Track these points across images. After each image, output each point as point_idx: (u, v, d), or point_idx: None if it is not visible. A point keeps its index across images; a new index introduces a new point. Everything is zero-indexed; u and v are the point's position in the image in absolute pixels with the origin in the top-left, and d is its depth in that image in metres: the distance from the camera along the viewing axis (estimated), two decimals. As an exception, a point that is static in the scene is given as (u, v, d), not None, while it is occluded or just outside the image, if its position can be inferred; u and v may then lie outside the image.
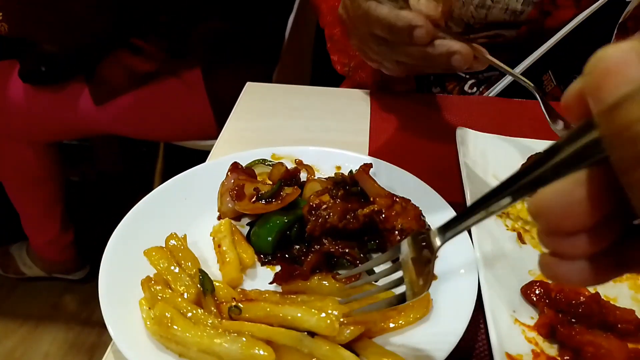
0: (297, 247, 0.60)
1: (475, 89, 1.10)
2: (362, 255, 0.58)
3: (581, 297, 0.53)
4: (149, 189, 0.67)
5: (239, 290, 0.55)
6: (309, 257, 0.57)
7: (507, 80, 1.04)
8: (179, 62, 1.51)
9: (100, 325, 1.88)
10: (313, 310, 0.46)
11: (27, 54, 1.54)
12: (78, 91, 1.53)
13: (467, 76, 1.10)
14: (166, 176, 1.90)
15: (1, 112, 1.58)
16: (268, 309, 0.47)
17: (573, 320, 0.52)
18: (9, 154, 1.67)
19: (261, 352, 0.45)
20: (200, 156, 1.64)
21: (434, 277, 0.57)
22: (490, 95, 1.05)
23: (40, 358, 1.77)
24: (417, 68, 0.65)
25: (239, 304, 0.48)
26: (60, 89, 1.54)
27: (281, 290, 0.55)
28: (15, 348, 1.79)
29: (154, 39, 1.52)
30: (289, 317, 0.47)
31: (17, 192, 1.76)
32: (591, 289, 0.57)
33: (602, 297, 0.54)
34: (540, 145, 0.76)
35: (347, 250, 0.57)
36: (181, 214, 0.64)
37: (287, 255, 0.60)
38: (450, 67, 0.58)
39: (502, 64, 0.63)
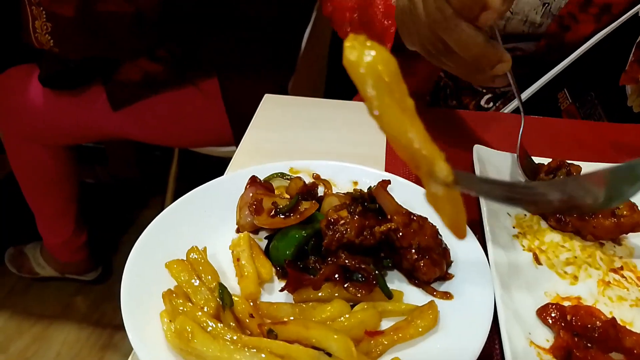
0: (313, 258, 0.61)
1: (491, 104, 1.10)
2: (377, 272, 0.59)
3: (597, 322, 0.53)
4: (163, 193, 0.68)
5: (251, 304, 0.56)
6: (323, 269, 0.58)
7: (523, 96, 1.04)
8: (196, 70, 1.53)
9: (111, 327, 1.91)
10: (335, 336, 0.47)
11: (47, 58, 1.56)
12: (96, 96, 1.56)
13: (484, 90, 1.11)
14: (180, 181, 1.92)
15: (20, 115, 1.61)
16: (300, 333, 0.49)
17: (589, 344, 0.52)
18: (27, 155, 1.70)
19: (280, 368, 0.46)
20: (214, 162, 1.66)
21: (451, 296, 0.58)
22: (506, 111, 1.05)
23: (51, 358, 1.79)
24: (461, 69, 0.68)
25: (273, 329, 0.49)
26: (78, 94, 1.56)
27: (293, 300, 0.57)
28: (27, 347, 1.82)
29: (170, 47, 1.54)
30: (313, 340, 0.48)
31: (33, 193, 1.79)
32: (607, 313, 0.57)
33: (619, 321, 0.54)
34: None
35: (362, 266, 0.58)
36: (201, 227, 0.65)
37: (301, 266, 0.60)
38: (490, 74, 0.62)
39: (514, 85, 0.67)
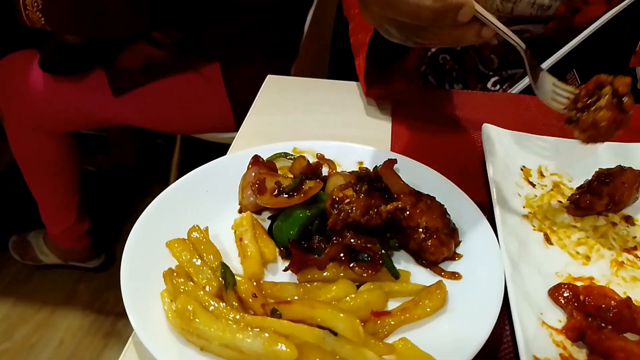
0: (318, 238, 0.59)
1: (498, 86, 1.08)
2: (383, 251, 0.57)
3: (611, 302, 0.52)
4: (165, 180, 0.66)
5: (254, 283, 0.54)
6: (328, 248, 0.56)
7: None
8: (198, 55, 1.51)
9: (114, 314, 1.91)
10: (342, 314, 0.45)
11: (47, 43, 1.55)
12: (97, 82, 1.54)
13: (491, 73, 1.09)
14: (182, 168, 1.92)
15: (22, 101, 1.60)
16: (305, 312, 0.47)
17: (602, 325, 0.51)
18: (28, 143, 1.68)
19: (283, 348, 0.45)
20: (217, 149, 1.64)
21: (459, 276, 0.56)
22: (514, 92, 1.03)
23: (55, 345, 1.79)
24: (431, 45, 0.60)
25: (277, 308, 0.48)
26: (79, 79, 1.55)
27: (297, 280, 0.55)
28: (31, 334, 1.82)
29: (171, 33, 1.52)
30: (319, 320, 0.46)
31: (36, 180, 1.78)
32: (621, 294, 0.55)
33: (633, 301, 0.52)
34: (569, 144, 0.74)
35: (368, 245, 0.56)
36: (203, 207, 0.63)
37: (306, 246, 0.59)
38: (461, 29, 0.55)
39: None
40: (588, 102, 0.59)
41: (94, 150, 2.41)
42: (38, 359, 1.74)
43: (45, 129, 1.65)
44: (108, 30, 1.38)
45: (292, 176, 0.66)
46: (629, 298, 0.52)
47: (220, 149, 1.22)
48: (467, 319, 0.51)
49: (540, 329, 0.51)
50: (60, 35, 1.41)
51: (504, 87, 1.07)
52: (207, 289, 0.51)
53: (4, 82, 1.60)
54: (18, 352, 1.76)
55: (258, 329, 0.46)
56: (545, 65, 1.00)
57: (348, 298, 0.52)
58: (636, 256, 0.60)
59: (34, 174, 1.77)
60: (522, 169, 0.72)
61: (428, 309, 0.52)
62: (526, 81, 1.02)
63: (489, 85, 1.09)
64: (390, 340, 0.49)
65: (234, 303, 0.50)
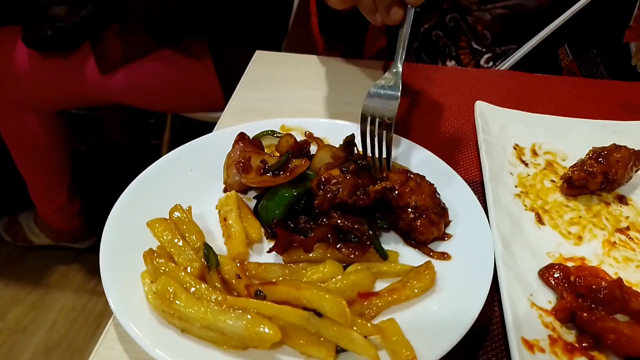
0: (304, 218, 0.57)
1: (491, 63, 1.06)
2: (371, 232, 0.56)
3: (603, 282, 0.51)
4: (157, 160, 0.64)
5: (238, 264, 0.53)
6: (315, 230, 0.55)
7: (522, 51, 1.00)
8: (185, 31, 1.47)
9: (107, 294, 1.90)
10: (327, 295, 0.44)
11: (32, 18, 1.50)
12: (84, 59, 1.50)
13: (484, 50, 1.06)
14: (174, 147, 1.88)
15: (7, 79, 1.56)
16: (290, 293, 0.46)
17: (593, 305, 0.50)
18: (16, 121, 1.65)
19: (266, 330, 0.43)
20: (208, 128, 1.61)
21: (449, 257, 0.55)
22: (504, 67, 1.01)
23: (48, 325, 1.79)
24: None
25: (262, 290, 0.46)
26: (65, 56, 1.51)
27: (283, 261, 0.54)
28: (24, 315, 1.81)
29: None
30: (304, 301, 0.45)
31: (24, 160, 1.75)
32: (613, 275, 0.54)
33: (625, 282, 0.51)
34: (564, 122, 0.72)
35: (355, 226, 0.55)
36: (186, 186, 0.61)
37: (292, 226, 0.57)
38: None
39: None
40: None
41: (86, 130, 2.38)
42: (31, 339, 1.74)
43: (31, 107, 1.62)
44: None
45: (278, 154, 0.64)
46: (620, 279, 0.50)
47: (212, 129, 1.20)
48: (456, 300, 0.50)
49: (530, 311, 0.50)
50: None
51: (497, 63, 1.05)
52: (189, 270, 0.49)
53: (-12, 59, 1.55)
54: (11, 332, 1.76)
55: (240, 311, 0.45)
56: (537, 38, 0.98)
57: (334, 279, 0.50)
58: (628, 236, 0.59)
59: (23, 154, 1.74)
60: (515, 147, 0.70)
61: (416, 290, 0.51)
62: (516, 56, 1.00)
63: (482, 62, 1.07)
64: (378, 321, 0.48)
65: (217, 284, 0.49)
